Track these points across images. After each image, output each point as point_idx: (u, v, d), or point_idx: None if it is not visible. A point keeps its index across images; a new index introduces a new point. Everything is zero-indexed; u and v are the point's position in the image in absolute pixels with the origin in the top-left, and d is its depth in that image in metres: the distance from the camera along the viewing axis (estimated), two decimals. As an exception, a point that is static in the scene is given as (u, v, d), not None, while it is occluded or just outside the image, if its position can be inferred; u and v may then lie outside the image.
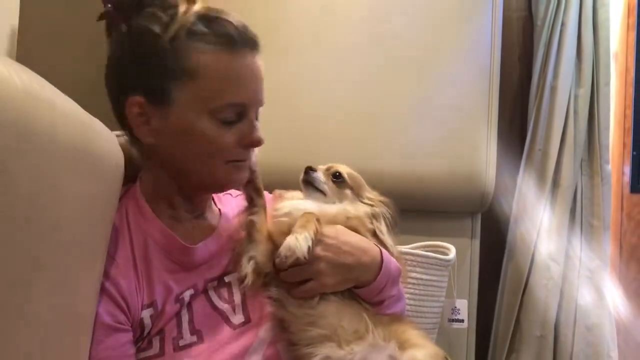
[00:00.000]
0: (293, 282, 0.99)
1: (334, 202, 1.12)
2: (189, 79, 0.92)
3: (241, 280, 1.00)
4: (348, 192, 1.13)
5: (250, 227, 1.03)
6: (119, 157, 0.90)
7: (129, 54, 0.95)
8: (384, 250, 1.05)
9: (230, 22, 0.95)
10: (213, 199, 1.13)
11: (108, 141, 0.85)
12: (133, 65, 0.95)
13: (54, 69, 0.91)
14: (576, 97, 2.09)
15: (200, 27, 0.93)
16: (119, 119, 0.99)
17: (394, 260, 1.07)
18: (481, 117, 1.84)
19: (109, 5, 0.96)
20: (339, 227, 1.04)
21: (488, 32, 1.87)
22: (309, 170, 1.13)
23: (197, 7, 0.95)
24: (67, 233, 0.71)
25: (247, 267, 1.00)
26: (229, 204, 1.14)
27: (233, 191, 1.16)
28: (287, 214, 1.05)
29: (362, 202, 1.13)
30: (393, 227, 1.12)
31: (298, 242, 0.94)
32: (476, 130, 1.84)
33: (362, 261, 1.00)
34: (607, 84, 2.09)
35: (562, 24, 2.07)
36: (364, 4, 1.89)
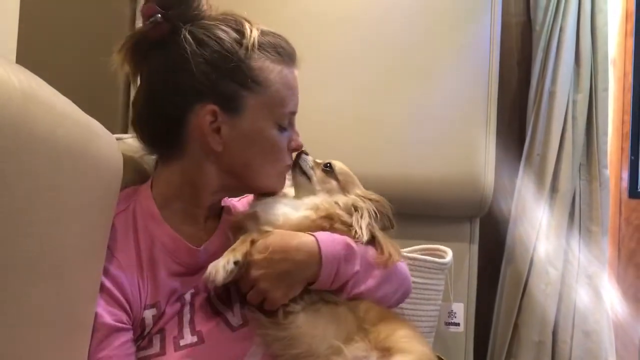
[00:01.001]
0: (254, 303, 0.97)
1: (316, 190, 1.10)
2: (261, 89, 1.00)
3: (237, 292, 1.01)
4: (334, 183, 1.12)
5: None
6: (117, 159, 0.90)
7: (201, 62, 0.97)
8: (319, 235, 0.99)
9: (285, 40, 1.07)
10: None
11: (107, 143, 0.86)
12: (207, 74, 0.97)
13: (53, 69, 0.91)
14: (574, 102, 2.10)
15: (267, 43, 1.02)
16: (173, 128, 1.00)
17: (334, 237, 1.01)
18: (480, 122, 1.85)
19: (158, 16, 0.97)
20: (275, 232, 0.99)
21: (487, 37, 1.87)
22: (302, 153, 1.15)
23: (255, 24, 1.04)
24: (66, 234, 0.72)
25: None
26: (231, 201, 1.17)
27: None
28: (251, 215, 1.04)
29: (346, 196, 1.10)
30: (386, 227, 1.09)
31: (216, 267, 0.92)
32: (475, 135, 1.84)
33: (298, 260, 0.96)
34: (605, 89, 2.10)
35: (561, 30, 2.08)
36: (363, 9, 1.89)
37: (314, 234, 1.00)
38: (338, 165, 1.16)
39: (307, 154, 1.16)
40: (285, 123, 1.05)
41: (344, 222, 1.04)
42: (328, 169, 1.14)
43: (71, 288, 0.76)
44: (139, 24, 1.56)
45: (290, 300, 0.96)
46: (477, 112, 1.85)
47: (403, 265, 1.10)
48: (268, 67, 1.01)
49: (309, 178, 1.12)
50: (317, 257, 0.96)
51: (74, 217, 0.74)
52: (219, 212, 1.12)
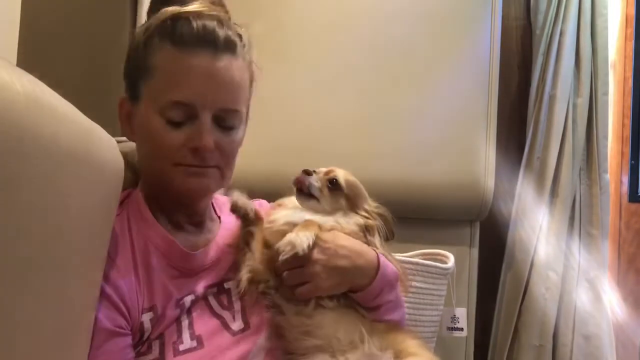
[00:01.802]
0: (291, 284, 0.99)
1: (327, 211, 1.07)
2: (149, 76, 0.94)
3: (238, 295, 1.01)
4: (343, 201, 1.08)
5: (247, 237, 1.03)
6: (119, 163, 0.90)
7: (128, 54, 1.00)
8: (381, 255, 1.04)
9: (190, 22, 0.93)
10: (214, 208, 1.13)
11: (108, 147, 0.85)
12: (125, 64, 0.99)
13: (53, 71, 0.91)
14: (575, 106, 2.10)
15: (166, 28, 0.94)
16: None
17: (391, 265, 1.06)
18: (480, 126, 1.85)
19: None
20: (336, 232, 1.03)
21: (487, 40, 1.88)
22: (306, 173, 1.08)
23: (174, 8, 0.95)
24: (68, 238, 0.71)
25: (244, 275, 1.00)
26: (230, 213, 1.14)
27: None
28: (284, 224, 1.03)
29: (357, 213, 1.08)
30: (388, 239, 1.10)
31: (298, 237, 0.95)
32: (475, 139, 1.84)
33: (358, 264, 1.00)
34: (606, 93, 2.11)
35: (561, 33, 2.09)
36: (364, 14, 1.90)
37: (376, 249, 1.04)
38: (344, 177, 1.09)
39: (310, 173, 1.08)
40: (173, 115, 0.93)
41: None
42: (335, 188, 1.07)
43: (71, 292, 0.75)
44: (139, 26, 1.58)
45: (323, 300, 0.99)
46: (478, 116, 1.85)
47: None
48: (159, 52, 0.93)
49: (317, 199, 1.07)
50: (374, 270, 1.01)
51: (75, 220, 0.73)
52: (214, 219, 1.11)
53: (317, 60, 1.87)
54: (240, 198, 1.06)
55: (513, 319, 2.08)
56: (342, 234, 1.03)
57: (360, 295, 1.01)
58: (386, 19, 1.89)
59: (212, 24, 0.94)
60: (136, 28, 0.98)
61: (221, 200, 1.16)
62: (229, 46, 0.95)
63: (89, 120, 0.79)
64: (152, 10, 0.98)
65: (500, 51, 1.91)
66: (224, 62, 0.94)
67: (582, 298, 2.07)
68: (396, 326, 1.05)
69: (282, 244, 0.95)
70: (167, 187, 0.98)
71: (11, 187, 0.57)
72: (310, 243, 0.95)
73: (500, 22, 1.92)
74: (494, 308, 2.16)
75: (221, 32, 0.94)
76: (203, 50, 0.92)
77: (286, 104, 1.83)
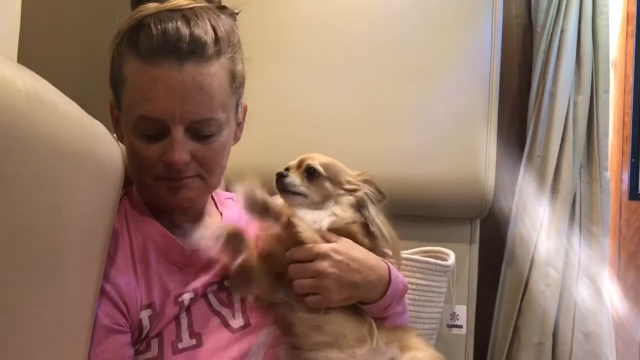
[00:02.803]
0: (301, 293, 0.98)
1: (316, 202, 1.06)
2: (123, 87, 0.92)
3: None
4: (327, 184, 1.06)
5: (244, 270, 1.00)
6: (119, 161, 0.90)
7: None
8: (392, 268, 1.04)
9: (151, 29, 0.87)
10: (215, 203, 1.13)
11: (109, 144, 0.86)
12: (110, 65, 0.97)
13: (54, 68, 0.91)
14: (575, 104, 2.10)
15: (131, 35, 0.90)
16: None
17: (402, 277, 1.06)
18: (481, 123, 1.85)
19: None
20: (349, 241, 1.01)
21: (488, 38, 1.88)
22: (280, 177, 1.05)
23: (140, 10, 0.91)
24: (68, 235, 0.71)
25: (250, 294, 1.00)
26: (232, 208, 1.13)
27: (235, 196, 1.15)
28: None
29: (343, 189, 1.06)
30: (380, 202, 1.08)
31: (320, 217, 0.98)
32: (476, 136, 1.84)
33: (370, 280, 0.99)
34: (606, 91, 2.10)
35: (562, 31, 2.08)
36: (364, 12, 1.89)
37: (387, 262, 1.04)
38: (318, 162, 1.07)
39: (285, 175, 1.05)
40: (144, 129, 0.90)
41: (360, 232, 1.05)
42: (314, 175, 1.06)
43: (72, 289, 0.75)
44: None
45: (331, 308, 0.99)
46: (478, 113, 1.86)
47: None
48: (125, 65, 0.90)
49: (304, 195, 1.05)
50: (385, 285, 1.00)
51: (76, 218, 0.74)
52: (214, 216, 1.10)
53: (318, 58, 1.87)
54: (254, 191, 0.95)
55: (513, 317, 2.08)
56: (354, 244, 1.02)
57: (370, 308, 1.01)
58: (387, 17, 1.88)
59: (173, 26, 0.87)
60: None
61: (223, 196, 1.16)
62: (194, 50, 0.88)
63: (90, 118, 0.79)
64: (133, 3, 0.96)
65: (501, 49, 1.91)
66: (190, 71, 0.88)
67: (582, 295, 2.07)
68: (401, 326, 1.07)
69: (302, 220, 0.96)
70: (154, 199, 0.98)
71: (12, 184, 0.57)
72: (330, 221, 0.98)
73: (501, 20, 1.91)
74: (494, 305, 2.16)
75: (185, 34, 0.87)
76: (166, 60, 0.87)
77: (286, 102, 1.84)
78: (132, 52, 0.89)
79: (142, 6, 0.92)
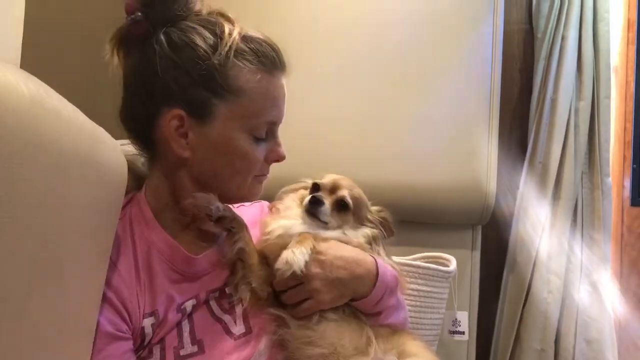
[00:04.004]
0: (291, 303, 0.99)
1: (332, 228, 1.08)
2: (234, 97, 0.96)
3: (239, 301, 1.00)
4: (349, 218, 1.09)
5: (241, 254, 1.01)
6: (122, 166, 0.90)
7: (171, 66, 0.95)
8: (379, 260, 1.05)
9: (270, 46, 1.01)
10: None
11: (112, 149, 0.86)
12: (176, 78, 0.95)
13: (56, 74, 0.91)
14: (576, 110, 2.10)
15: (246, 49, 0.98)
16: (145, 129, 0.99)
17: (390, 269, 1.06)
18: (482, 130, 1.85)
19: (139, 14, 0.95)
20: (332, 241, 1.03)
21: (489, 44, 1.88)
22: (316, 202, 1.07)
23: (239, 28, 0.99)
24: (71, 240, 0.72)
25: (245, 293, 1.00)
26: (243, 213, 1.13)
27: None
28: (279, 237, 1.03)
29: (362, 224, 1.10)
30: (386, 237, 1.11)
31: (295, 255, 0.95)
32: (477, 143, 1.84)
33: (357, 274, 1.00)
34: (608, 97, 2.10)
35: (563, 38, 2.09)
36: (365, 17, 1.90)
37: (373, 255, 1.05)
38: (350, 195, 1.09)
39: (321, 201, 1.07)
40: (261, 133, 1.00)
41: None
42: (344, 209, 1.08)
43: (74, 295, 0.75)
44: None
45: (325, 313, 0.99)
46: (479, 119, 1.86)
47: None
48: (244, 75, 0.97)
49: (326, 223, 1.07)
50: (373, 277, 1.01)
51: (79, 222, 0.74)
52: None
53: (319, 65, 1.88)
54: (222, 206, 0.99)
55: (515, 323, 2.08)
56: (337, 242, 1.03)
57: (361, 303, 1.02)
58: (388, 23, 1.89)
59: (272, 43, 1.03)
60: (179, 43, 0.95)
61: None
62: (287, 66, 1.04)
63: (93, 123, 0.80)
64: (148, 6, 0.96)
65: (502, 55, 1.92)
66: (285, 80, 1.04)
67: (584, 302, 2.06)
68: (399, 330, 1.06)
69: (279, 263, 0.95)
70: (232, 195, 1.03)
71: (16, 189, 0.57)
72: (307, 259, 0.96)
73: (502, 27, 1.92)
74: (496, 312, 2.15)
75: (279, 50, 1.03)
76: (281, 72, 1.03)
77: (287, 107, 1.84)
78: (252, 64, 0.97)
79: (229, 25, 0.98)
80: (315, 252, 0.98)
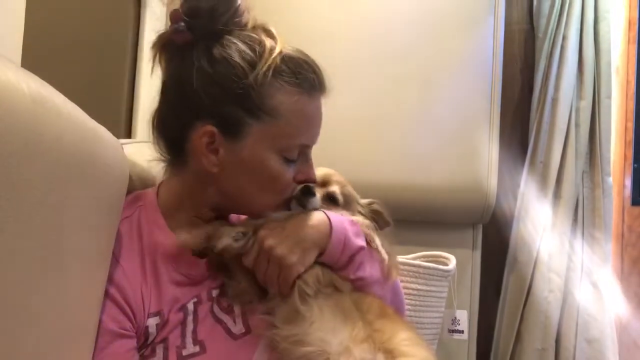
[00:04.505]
0: (265, 278, 0.97)
1: None
2: (268, 117, 0.94)
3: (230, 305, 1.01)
4: (341, 211, 1.07)
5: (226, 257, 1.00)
6: (123, 165, 0.90)
7: (208, 81, 0.94)
8: (328, 213, 1.02)
9: (311, 66, 0.99)
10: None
11: (113, 148, 0.86)
12: (212, 94, 0.94)
13: (58, 73, 0.91)
14: (577, 109, 2.10)
15: (285, 69, 0.96)
16: (176, 137, 0.98)
17: (345, 217, 1.04)
18: (483, 129, 1.85)
19: (182, 24, 0.95)
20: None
21: (490, 44, 1.88)
22: (309, 193, 1.05)
23: (280, 46, 0.97)
24: (73, 238, 0.72)
25: (237, 292, 1.00)
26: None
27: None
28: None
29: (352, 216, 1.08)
30: (382, 228, 1.10)
31: (221, 232, 0.95)
32: (478, 142, 1.85)
33: (310, 224, 0.98)
34: (608, 96, 2.10)
35: (564, 37, 2.09)
36: (366, 17, 1.90)
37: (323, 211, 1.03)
38: (339, 190, 1.09)
39: (313, 193, 1.05)
40: (292, 155, 0.98)
41: None
42: (334, 204, 1.08)
43: (75, 294, 0.76)
44: (142, 29, 1.55)
45: (304, 284, 0.97)
46: (480, 119, 1.86)
47: (399, 284, 1.14)
48: (281, 95, 0.95)
49: None
50: (327, 224, 0.99)
51: (80, 222, 0.74)
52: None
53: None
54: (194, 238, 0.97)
55: (515, 322, 2.08)
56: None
57: (328, 254, 0.98)
58: (389, 23, 1.89)
59: (314, 63, 1.01)
60: (219, 58, 0.94)
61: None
62: (326, 86, 1.03)
63: (94, 122, 0.80)
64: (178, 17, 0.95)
65: (503, 55, 1.92)
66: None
67: (585, 301, 2.06)
68: (389, 310, 1.02)
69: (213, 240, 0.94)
70: (255, 210, 1.02)
71: (16, 187, 0.57)
72: (233, 237, 0.94)
73: (503, 26, 1.92)
74: (497, 311, 2.15)
75: (320, 71, 1.01)
76: (319, 93, 1.01)
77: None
78: (291, 85, 0.96)
79: (277, 44, 0.97)
80: (262, 227, 0.98)
